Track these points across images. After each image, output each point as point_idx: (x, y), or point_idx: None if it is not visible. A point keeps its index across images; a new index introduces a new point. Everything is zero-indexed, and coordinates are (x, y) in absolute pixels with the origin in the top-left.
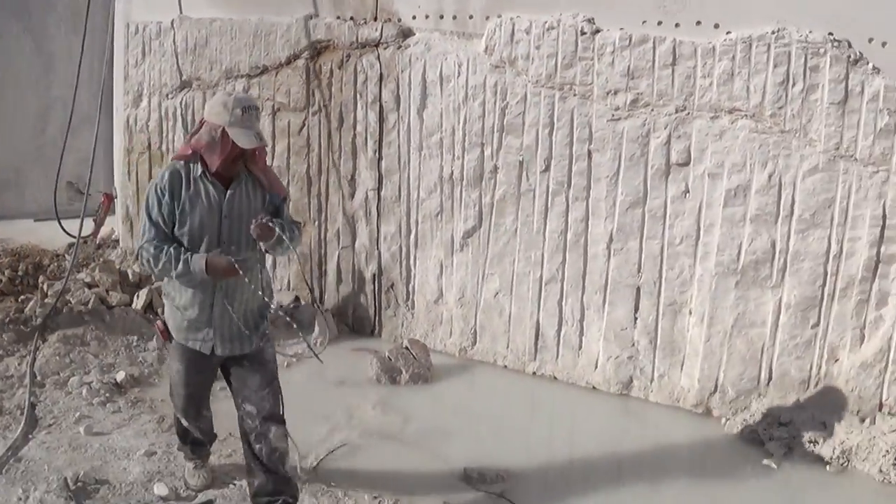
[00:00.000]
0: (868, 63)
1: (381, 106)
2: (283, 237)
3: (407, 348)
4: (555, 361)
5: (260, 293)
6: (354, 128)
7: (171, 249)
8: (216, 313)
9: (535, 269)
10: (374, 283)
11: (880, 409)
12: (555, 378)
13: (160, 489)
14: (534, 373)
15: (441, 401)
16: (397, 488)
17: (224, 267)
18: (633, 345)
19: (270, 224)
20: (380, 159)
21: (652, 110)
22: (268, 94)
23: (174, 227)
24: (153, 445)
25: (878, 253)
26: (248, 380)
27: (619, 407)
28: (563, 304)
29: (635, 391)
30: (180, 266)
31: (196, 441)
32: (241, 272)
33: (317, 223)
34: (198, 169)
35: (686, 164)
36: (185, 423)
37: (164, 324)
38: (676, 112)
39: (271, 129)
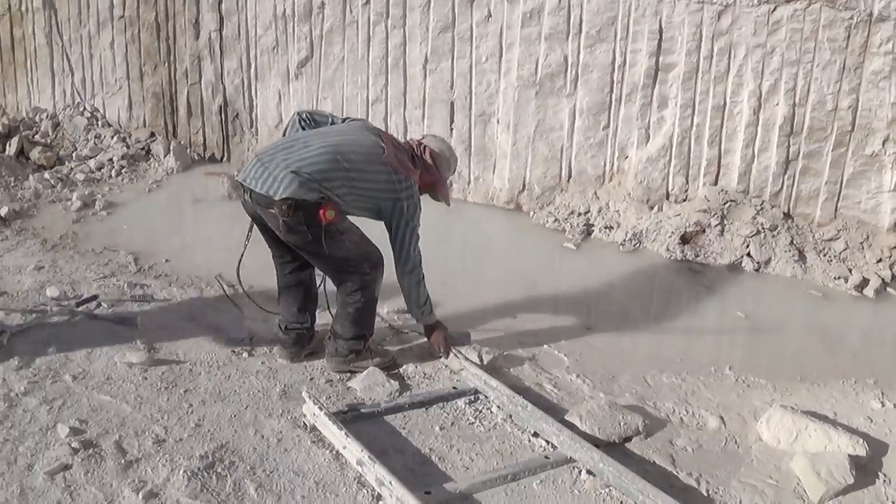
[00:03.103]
0: None
1: None
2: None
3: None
4: None
5: None
6: None
7: None
8: None
9: (362, 91)
10: (220, 114)
11: (667, 198)
12: None
13: (52, 291)
14: None
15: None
16: (255, 273)
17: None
18: None
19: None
20: (220, 2)
21: None
22: None
23: None
24: (40, 262)
25: (657, 63)
26: None
27: (441, 208)
28: (388, 120)
29: (455, 193)
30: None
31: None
32: None
33: (166, 64)
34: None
35: None
36: (376, 285)
37: (335, 207)
38: None
39: None
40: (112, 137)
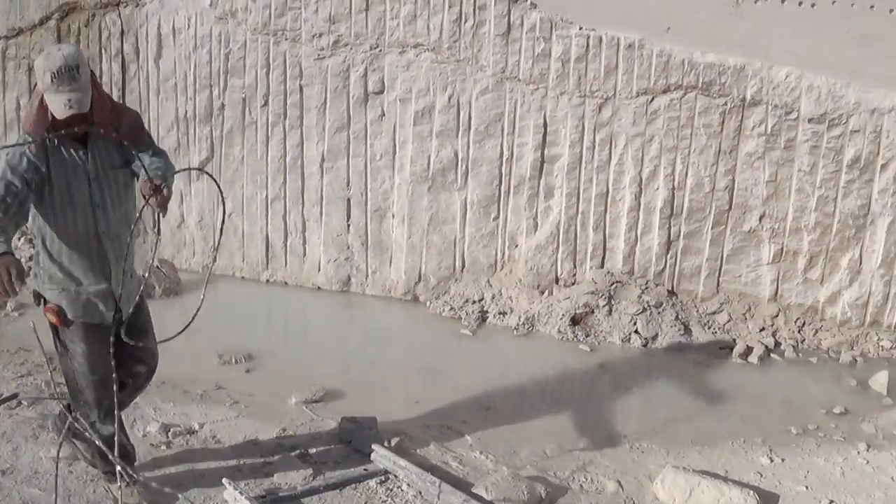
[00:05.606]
0: (527, 0)
1: (123, 58)
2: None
3: (158, 268)
4: (284, 268)
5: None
6: (101, 78)
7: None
8: (116, 274)
9: (262, 191)
10: None
11: (556, 283)
12: (286, 283)
13: None
14: (267, 280)
15: (191, 308)
16: (167, 369)
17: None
18: (349, 247)
19: (157, 183)
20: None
21: (351, 49)
22: (24, 53)
23: (29, 188)
24: None
25: (543, 155)
26: (142, 337)
27: (341, 301)
28: (287, 218)
29: (354, 287)
30: None
31: (124, 450)
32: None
33: None
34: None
35: (381, 92)
36: (102, 426)
37: (58, 306)
38: (371, 49)
39: (28, 84)
40: (20, 239)
